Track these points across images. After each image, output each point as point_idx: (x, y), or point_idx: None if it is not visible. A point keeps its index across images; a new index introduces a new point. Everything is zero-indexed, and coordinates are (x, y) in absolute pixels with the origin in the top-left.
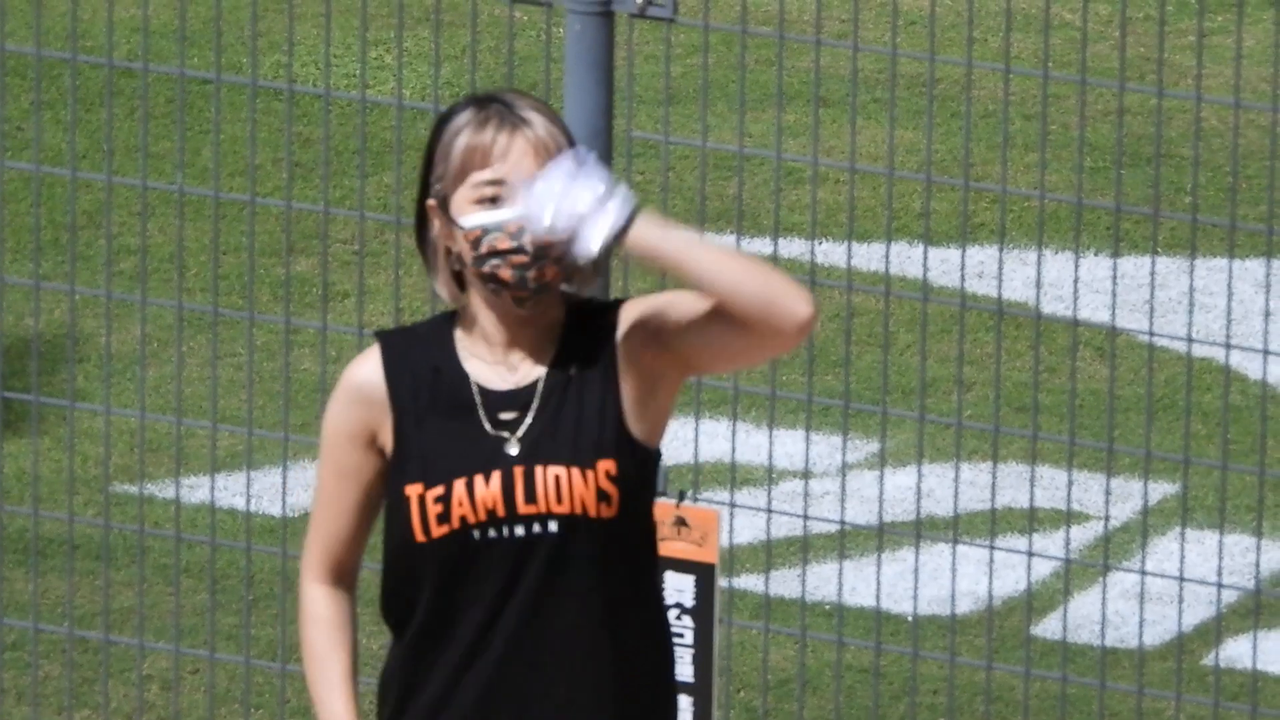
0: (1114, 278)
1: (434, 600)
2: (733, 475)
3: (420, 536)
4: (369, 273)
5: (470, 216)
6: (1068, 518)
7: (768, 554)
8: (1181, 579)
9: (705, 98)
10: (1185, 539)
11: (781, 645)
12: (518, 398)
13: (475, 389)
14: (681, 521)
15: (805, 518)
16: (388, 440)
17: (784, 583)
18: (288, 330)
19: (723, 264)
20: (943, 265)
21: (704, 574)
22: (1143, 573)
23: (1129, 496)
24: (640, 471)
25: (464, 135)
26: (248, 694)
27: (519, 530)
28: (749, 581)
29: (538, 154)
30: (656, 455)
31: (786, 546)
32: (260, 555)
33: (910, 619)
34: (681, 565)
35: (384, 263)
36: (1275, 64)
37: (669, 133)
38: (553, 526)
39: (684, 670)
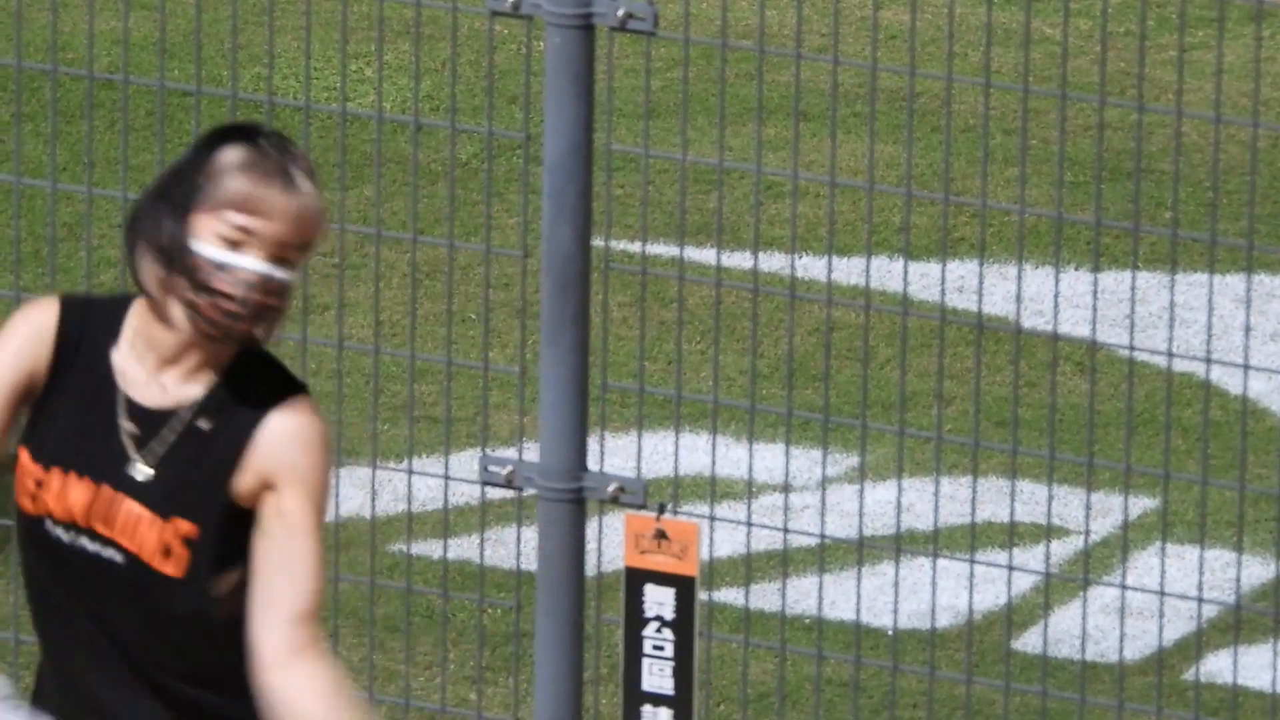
0: (1094, 293)
1: (30, 585)
2: (713, 489)
3: (21, 501)
4: (349, 285)
5: (212, 248)
6: (1048, 532)
7: (747, 567)
8: (1162, 594)
9: (685, 111)
10: (1165, 554)
11: (761, 659)
12: (147, 417)
13: (119, 389)
14: (662, 534)
15: (785, 531)
16: (37, 387)
17: (764, 596)
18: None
19: None
20: (923, 279)
21: (684, 587)
22: (1123, 587)
23: (1109, 511)
24: (232, 549)
25: (241, 178)
26: None
27: (90, 545)
28: (729, 595)
29: (299, 223)
30: None
31: (766, 560)
32: None
33: (890, 633)
34: (661, 578)
35: (364, 275)
36: (1255, 79)
37: (649, 146)
38: (117, 558)
39: (664, 683)
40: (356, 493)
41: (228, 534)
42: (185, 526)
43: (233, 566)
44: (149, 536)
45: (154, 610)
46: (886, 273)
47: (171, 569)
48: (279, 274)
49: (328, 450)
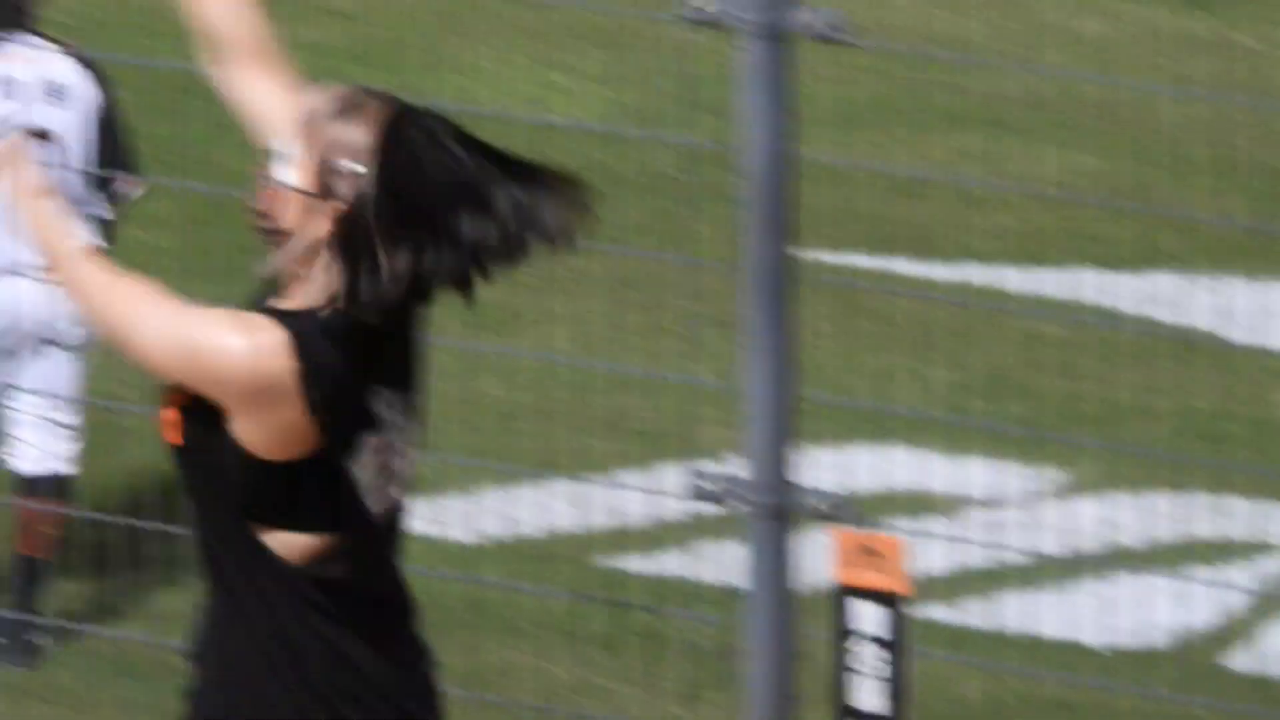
0: None
1: None
2: (919, 504)
3: None
4: (552, 298)
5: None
6: (1259, 549)
7: (959, 583)
8: None
9: (881, 119)
10: None
11: (969, 676)
12: None
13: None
14: (871, 550)
15: (994, 546)
16: None
17: (971, 612)
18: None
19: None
20: (1120, 291)
21: (894, 603)
22: None
23: None
24: (203, 432)
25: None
26: None
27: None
28: (938, 611)
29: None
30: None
31: (973, 576)
32: (447, 582)
33: (1102, 651)
34: (872, 595)
35: (569, 288)
36: None
37: (847, 156)
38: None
39: (875, 701)
40: (565, 507)
41: (207, 409)
42: (179, 397)
43: (215, 461)
44: (165, 412)
45: (188, 490)
46: (1088, 285)
47: (174, 437)
48: (277, 164)
49: (228, 356)
